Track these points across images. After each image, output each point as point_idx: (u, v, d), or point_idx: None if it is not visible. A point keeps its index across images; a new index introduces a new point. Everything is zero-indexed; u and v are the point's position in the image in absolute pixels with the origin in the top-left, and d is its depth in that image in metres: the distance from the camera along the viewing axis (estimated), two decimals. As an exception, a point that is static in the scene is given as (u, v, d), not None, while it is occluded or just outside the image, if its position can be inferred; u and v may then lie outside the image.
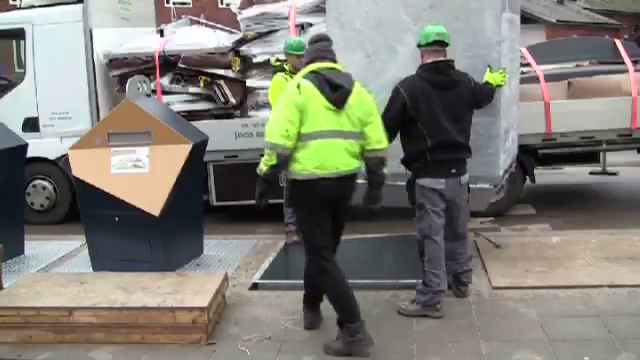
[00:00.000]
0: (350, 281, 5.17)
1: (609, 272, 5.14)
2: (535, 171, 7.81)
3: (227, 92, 7.64)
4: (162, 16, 9.88)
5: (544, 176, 8.34)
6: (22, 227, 6.51)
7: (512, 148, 5.82)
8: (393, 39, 5.14)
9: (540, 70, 7.56)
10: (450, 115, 4.55)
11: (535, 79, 7.46)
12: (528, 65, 7.76)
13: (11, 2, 14.25)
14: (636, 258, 5.44)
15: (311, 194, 4.07)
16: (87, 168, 5.63)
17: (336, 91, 4.03)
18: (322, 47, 4.20)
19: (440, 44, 4.58)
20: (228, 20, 9.42)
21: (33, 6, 8.46)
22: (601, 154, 8.09)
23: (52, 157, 8.07)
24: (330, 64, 4.14)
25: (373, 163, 4.16)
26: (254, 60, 7.63)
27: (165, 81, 7.78)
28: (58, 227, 7.94)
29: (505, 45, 5.07)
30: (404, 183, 4.79)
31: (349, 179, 4.16)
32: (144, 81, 7.01)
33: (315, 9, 7.37)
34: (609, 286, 4.88)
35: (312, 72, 4.09)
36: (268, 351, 4.21)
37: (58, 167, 8.07)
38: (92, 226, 5.77)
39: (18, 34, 8.30)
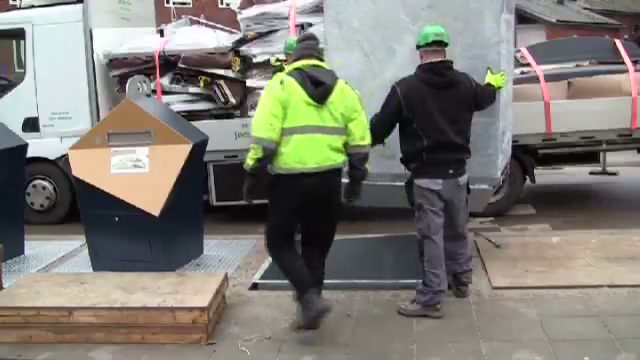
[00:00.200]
0: (350, 281, 5.19)
1: (609, 272, 5.14)
2: (535, 171, 7.81)
3: (227, 92, 7.65)
4: (162, 16, 9.88)
5: (544, 176, 8.34)
6: (22, 227, 6.51)
7: (507, 149, 5.83)
8: (391, 39, 5.13)
9: (540, 70, 7.56)
10: (447, 116, 4.54)
11: (535, 79, 7.45)
12: (528, 65, 7.76)
13: (11, 2, 14.24)
14: (636, 258, 5.44)
15: (292, 188, 4.19)
16: (87, 168, 5.63)
17: (317, 87, 4.15)
18: (308, 45, 4.35)
19: (439, 44, 4.58)
20: (228, 20, 9.43)
21: (33, 6, 8.46)
22: (601, 154, 8.09)
23: (52, 157, 8.06)
24: (314, 61, 4.26)
25: (356, 159, 4.30)
26: (254, 60, 7.62)
27: (165, 81, 7.78)
28: (58, 227, 7.94)
29: (503, 46, 5.07)
30: (403, 184, 4.80)
31: (332, 174, 4.23)
32: (144, 81, 7.01)
33: (315, 9, 7.37)
34: (609, 286, 4.88)
35: (296, 69, 4.22)
36: (268, 351, 4.22)
37: (58, 167, 8.06)
38: (92, 226, 5.77)
39: (18, 34, 8.30)
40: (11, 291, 4.89)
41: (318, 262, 4.47)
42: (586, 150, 7.69)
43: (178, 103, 7.71)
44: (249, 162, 4.15)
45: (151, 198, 5.43)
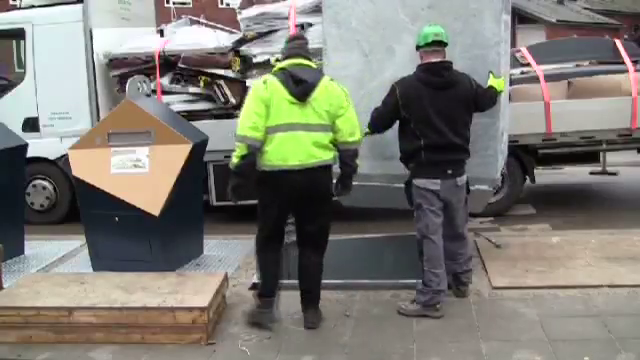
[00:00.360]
0: (350, 281, 5.19)
1: (609, 272, 5.14)
2: (535, 171, 7.81)
3: (227, 92, 7.64)
4: (162, 16, 9.88)
5: (544, 176, 8.34)
6: (22, 227, 6.51)
7: (505, 150, 5.83)
8: (391, 39, 5.10)
9: (540, 70, 7.55)
10: (445, 116, 4.53)
11: (535, 79, 7.45)
12: (528, 65, 7.76)
13: (11, 2, 14.24)
14: (636, 258, 5.44)
15: (277, 185, 4.27)
16: (87, 168, 5.63)
17: (298, 85, 4.22)
18: (295, 45, 4.44)
19: (438, 44, 4.57)
20: (228, 20, 9.43)
21: (33, 6, 8.46)
22: (601, 154, 8.08)
23: (52, 157, 8.06)
24: (300, 60, 4.34)
25: (346, 155, 4.37)
26: (254, 60, 7.62)
27: (165, 81, 7.78)
28: (58, 227, 7.94)
29: (502, 46, 5.06)
30: (402, 185, 4.79)
31: (317, 172, 4.28)
32: (144, 81, 7.01)
33: (315, 9, 7.35)
34: (609, 286, 4.88)
35: (280, 69, 4.33)
36: (268, 351, 4.22)
37: (58, 167, 8.06)
38: (92, 226, 5.77)
39: (18, 34, 8.30)
40: (11, 291, 4.89)
41: (313, 262, 4.50)
42: (586, 150, 7.69)
43: (178, 103, 7.71)
44: (234, 160, 4.27)
45: (151, 198, 5.43)
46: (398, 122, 4.68)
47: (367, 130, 4.72)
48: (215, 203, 7.72)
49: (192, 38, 7.97)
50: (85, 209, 5.78)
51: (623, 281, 4.95)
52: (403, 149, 4.70)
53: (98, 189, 5.53)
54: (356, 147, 4.40)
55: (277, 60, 7.27)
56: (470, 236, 5.34)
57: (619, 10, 31.26)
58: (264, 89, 4.25)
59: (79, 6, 7.93)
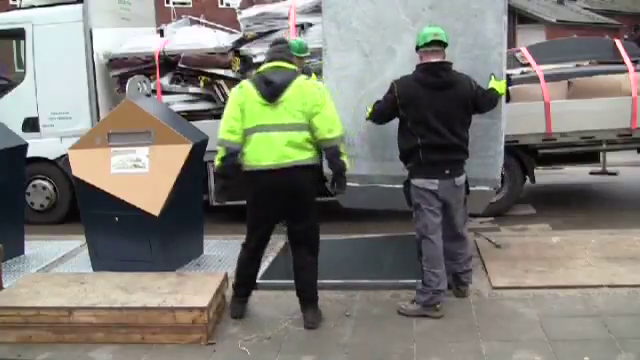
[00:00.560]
0: (350, 281, 5.20)
1: (609, 272, 5.14)
2: (535, 171, 7.81)
3: (227, 92, 7.62)
4: (162, 16, 9.89)
5: (544, 176, 8.34)
6: (22, 227, 6.51)
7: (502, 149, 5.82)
8: (391, 39, 5.09)
9: (540, 70, 7.55)
10: (442, 116, 4.52)
11: (535, 79, 7.45)
12: (528, 65, 7.76)
13: (11, 2, 14.24)
14: (636, 258, 5.43)
15: (255, 185, 4.44)
16: (87, 168, 5.63)
17: (268, 87, 4.33)
18: (276, 49, 4.57)
19: (438, 44, 4.56)
20: (228, 20, 9.43)
21: (33, 6, 8.47)
22: (601, 154, 8.08)
23: (52, 157, 8.07)
24: (277, 63, 4.46)
25: (328, 153, 4.44)
26: (254, 60, 7.61)
27: (165, 81, 7.78)
28: (58, 227, 7.94)
29: (504, 47, 5.05)
30: (402, 186, 4.79)
31: (293, 171, 4.34)
32: (144, 81, 7.01)
33: (315, 9, 7.37)
34: (609, 286, 4.87)
35: (257, 73, 4.50)
36: (268, 351, 4.22)
37: (58, 167, 8.07)
38: (92, 226, 5.77)
39: (18, 34, 8.30)
40: (11, 291, 4.89)
41: (307, 262, 4.53)
42: (586, 150, 7.69)
43: (178, 103, 7.71)
44: (216, 162, 4.47)
45: (151, 198, 5.43)
46: (398, 120, 4.68)
47: (367, 115, 4.79)
48: (215, 203, 7.72)
49: (192, 38, 7.97)
50: (85, 209, 5.78)
51: (623, 281, 4.95)
52: (401, 148, 4.71)
53: (98, 189, 5.53)
54: (336, 144, 4.41)
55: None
56: (470, 236, 5.34)
57: (619, 10, 31.26)
58: (239, 93, 4.44)
59: (79, 6, 7.94)
